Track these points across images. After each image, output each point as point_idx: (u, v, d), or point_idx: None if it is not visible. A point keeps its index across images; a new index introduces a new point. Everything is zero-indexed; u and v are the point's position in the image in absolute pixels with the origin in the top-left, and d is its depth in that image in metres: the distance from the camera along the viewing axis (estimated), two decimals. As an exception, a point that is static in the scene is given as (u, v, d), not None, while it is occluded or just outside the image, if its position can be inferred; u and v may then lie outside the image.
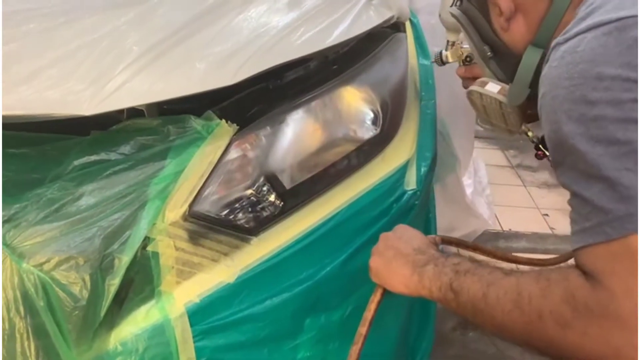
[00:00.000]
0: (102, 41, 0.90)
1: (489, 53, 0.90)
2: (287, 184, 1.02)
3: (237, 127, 0.97)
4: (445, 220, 1.81)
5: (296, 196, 1.03)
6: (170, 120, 0.93)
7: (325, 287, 0.99)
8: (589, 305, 0.58)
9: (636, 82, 0.58)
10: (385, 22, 1.24)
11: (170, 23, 0.96)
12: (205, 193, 0.92)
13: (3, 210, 0.80)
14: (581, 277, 0.60)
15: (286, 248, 0.98)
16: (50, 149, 0.92)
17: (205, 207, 0.92)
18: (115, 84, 0.84)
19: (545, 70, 0.67)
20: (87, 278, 0.79)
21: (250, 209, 0.98)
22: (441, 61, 1.17)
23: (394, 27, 1.34)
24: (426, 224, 1.38)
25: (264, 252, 0.96)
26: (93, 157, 0.89)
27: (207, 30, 0.97)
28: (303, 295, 0.97)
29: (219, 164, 0.94)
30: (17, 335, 0.78)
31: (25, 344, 0.79)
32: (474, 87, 0.97)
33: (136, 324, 0.87)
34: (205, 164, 0.91)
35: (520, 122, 0.95)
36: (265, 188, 1.00)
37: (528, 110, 0.91)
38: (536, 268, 0.92)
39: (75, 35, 0.91)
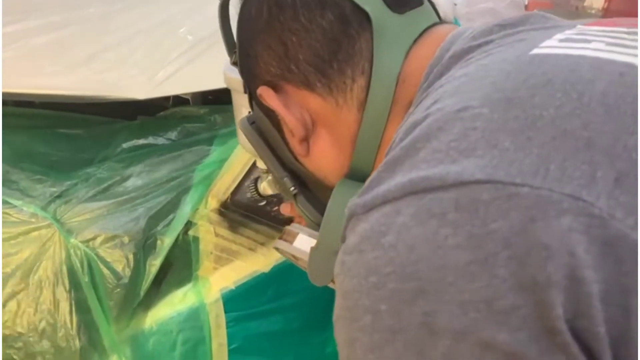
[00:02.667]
0: (157, 29, 0.93)
1: (292, 188, 0.55)
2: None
3: (280, 120, 0.98)
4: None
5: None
6: (216, 109, 0.95)
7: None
8: None
9: (510, 355, 0.27)
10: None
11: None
12: (247, 182, 0.94)
13: (55, 186, 0.83)
14: None
15: (321, 242, 0.99)
16: (100, 131, 0.95)
17: (246, 196, 0.94)
18: (168, 71, 0.87)
19: (337, 262, 0.34)
20: (131, 257, 0.82)
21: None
22: (258, 194, 0.78)
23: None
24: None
25: (299, 244, 0.97)
26: (141, 141, 0.91)
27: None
28: (335, 291, 0.98)
29: (261, 155, 0.95)
30: (61, 308, 0.81)
31: (68, 317, 0.81)
32: (278, 244, 0.63)
33: (172, 306, 0.89)
34: (248, 154, 0.93)
35: None
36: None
37: None
38: None
39: (131, 22, 0.94)
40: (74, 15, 0.94)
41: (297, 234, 0.60)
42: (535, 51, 0.35)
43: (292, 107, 0.48)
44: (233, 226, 0.92)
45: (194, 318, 0.89)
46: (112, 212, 0.83)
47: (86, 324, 0.82)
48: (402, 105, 0.45)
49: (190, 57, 0.89)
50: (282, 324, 0.95)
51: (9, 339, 0.80)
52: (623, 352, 0.27)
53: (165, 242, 0.85)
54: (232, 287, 0.91)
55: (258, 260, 0.93)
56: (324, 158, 0.50)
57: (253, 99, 0.53)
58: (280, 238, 0.62)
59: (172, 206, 0.86)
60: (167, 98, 1.02)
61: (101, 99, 0.86)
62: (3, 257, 0.79)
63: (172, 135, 0.92)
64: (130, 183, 0.86)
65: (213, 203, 0.89)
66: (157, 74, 0.86)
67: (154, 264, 0.84)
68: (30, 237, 0.80)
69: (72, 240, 0.80)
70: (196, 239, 0.88)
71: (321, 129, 0.49)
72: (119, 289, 0.82)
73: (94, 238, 0.81)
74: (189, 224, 0.88)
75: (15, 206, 0.83)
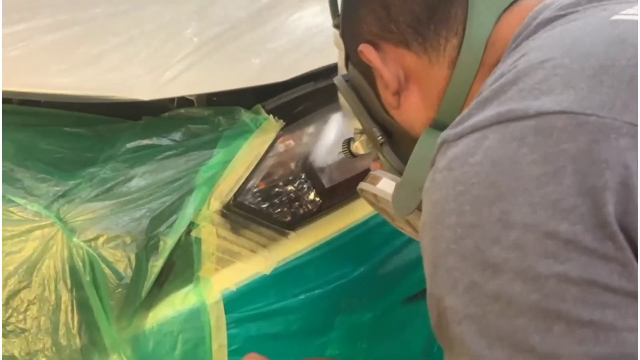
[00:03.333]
0: (163, 30, 0.93)
1: (380, 137, 0.63)
2: (327, 183, 1.03)
3: (284, 123, 0.98)
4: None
5: (335, 195, 1.04)
6: (221, 111, 0.95)
7: (358, 287, 1.00)
8: None
9: (569, 242, 0.34)
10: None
11: (228, 17, 0.98)
12: (250, 185, 0.94)
13: (59, 185, 0.83)
14: None
15: (323, 245, 0.99)
16: (104, 130, 0.95)
17: (249, 198, 0.94)
18: (174, 73, 0.87)
19: (428, 180, 0.42)
20: (133, 257, 0.82)
21: (290, 205, 1.00)
22: (350, 153, 0.81)
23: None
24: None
25: (301, 247, 0.98)
26: (145, 141, 0.92)
27: (263, 27, 0.99)
28: (336, 293, 0.98)
29: (265, 157, 0.96)
30: (62, 307, 0.81)
31: (69, 316, 0.82)
32: (363, 185, 0.71)
33: (174, 306, 0.89)
34: (252, 157, 0.93)
35: None
36: (305, 185, 1.01)
37: None
38: None
39: (137, 23, 0.95)
40: (81, 15, 0.94)
41: (381, 178, 0.68)
42: (615, 17, 0.42)
43: (388, 63, 0.55)
44: (235, 228, 0.92)
45: (195, 319, 0.89)
46: (115, 212, 0.83)
47: (87, 323, 0.82)
48: (489, 66, 0.50)
49: (196, 58, 0.89)
50: (282, 326, 0.95)
51: (10, 335, 0.81)
52: None
53: (168, 243, 0.85)
54: (234, 288, 0.92)
55: (259, 262, 0.94)
56: (413, 110, 0.57)
57: (350, 58, 0.62)
58: (365, 181, 0.71)
59: (175, 207, 0.86)
60: (171, 99, 1.02)
61: (106, 99, 0.86)
62: (6, 255, 0.80)
63: (176, 136, 0.92)
64: (134, 183, 0.86)
65: (216, 205, 0.90)
66: (162, 75, 0.86)
67: (156, 265, 0.84)
68: (33, 236, 0.81)
69: (75, 239, 0.81)
70: (198, 240, 0.88)
71: (413, 85, 0.56)
72: (120, 289, 0.82)
73: (96, 238, 0.82)
74: (191, 225, 0.88)
75: (19, 204, 0.83)
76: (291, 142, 1.01)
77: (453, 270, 0.37)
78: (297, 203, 1.01)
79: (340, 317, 0.99)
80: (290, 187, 1.00)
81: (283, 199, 0.99)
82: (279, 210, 0.99)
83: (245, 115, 0.95)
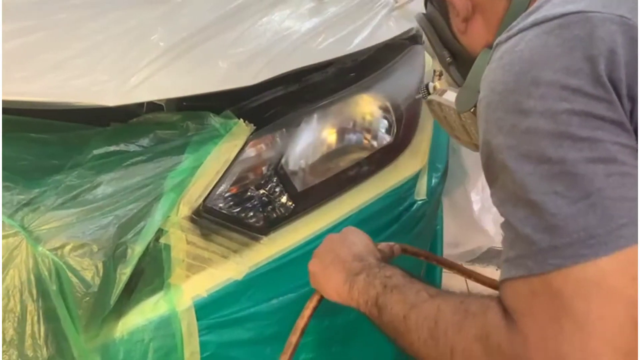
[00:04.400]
0: (128, 35, 0.92)
1: (448, 58, 0.84)
2: (299, 187, 1.03)
3: (254, 127, 0.98)
4: (451, 234, 1.82)
5: (307, 199, 1.04)
6: (190, 116, 0.95)
7: (331, 290, 1.00)
8: (501, 349, 0.52)
9: (574, 90, 0.51)
10: (404, 33, 1.26)
11: (195, 22, 0.98)
12: (220, 190, 0.94)
13: (23, 193, 0.82)
14: (500, 313, 0.54)
15: (295, 249, 0.99)
16: (71, 137, 0.94)
17: (219, 203, 0.94)
18: (140, 78, 0.86)
19: (485, 72, 0.61)
20: (100, 265, 0.81)
21: (261, 209, 0.99)
22: (428, 94, 1.00)
23: (412, 40, 1.36)
24: (434, 236, 1.39)
25: (273, 251, 0.97)
26: (112, 148, 0.90)
27: (231, 30, 0.98)
28: (309, 297, 0.98)
29: (235, 162, 0.95)
30: (28, 318, 0.80)
31: (35, 327, 0.80)
32: (432, 96, 0.93)
33: (144, 314, 0.88)
34: (222, 161, 0.93)
35: None
36: (277, 189, 1.01)
37: None
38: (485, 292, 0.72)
39: (102, 28, 0.94)
40: (44, 20, 0.93)
41: (446, 90, 0.91)
42: None
43: None
44: (205, 234, 0.92)
45: (166, 326, 0.88)
46: (82, 220, 0.82)
47: (54, 333, 0.81)
48: None
49: (163, 63, 0.89)
50: (255, 331, 0.95)
51: (-25, 348, 0.79)
52: (631, 91, 0.51)
53: (136, 250, 0.84)
54: (205, 295, 0.91)
55: (231, 268, 0.93)
56: (476, 35, 0.76)
57: None
58: (433, 94, 0.94)
59: (143, 214, 0.85)
60: (141, 105, 1.01)
61: (72, 105, 0.85)
62: (-31, 266, 0.78)
63: (144, 142, 0.91)
64: (100, 191, 0.85)
65: (185, 210, 0.89)
66: (128, 80, 0.85)
67: (125, 272, 0.83)
68: (-4, 246, 0.79)
69: (40, 248, 0.79)
70: (167, 247, 0.88)
71: (478, 14, 0.74)
72: (88, 298, 0.80)
73: (62, 246, 0.80)
74: (160, 232, 0.87)
75: (-18, 214, 0.81)
76: (262, 146, 1.01)
77: (499, 120, 0.55)
78: (269, 207, 1.00)
79: (314, 321, 0.98)
80: (261, 191, 0.99)
81: (255, 203, 0.99)
82: (251, 215, 0.98)
83: (215, 120, 0.95)
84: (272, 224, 0.99)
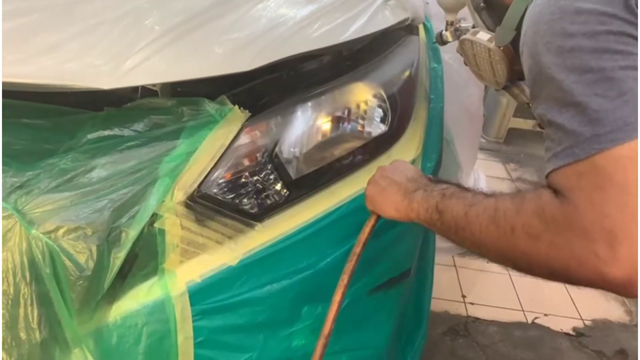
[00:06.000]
0: (123, 18, 0.92)
1: (482, 4, 0.96)
2: (294, 174, 1.03)
3: (249, 114, 0.98)
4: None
5: (301, 187, 1.04)
6: (185, 101, 0.94)
7: (324, 277, 1.00)
8: (556, 218, 0.62)
9: (611, 15, 0.62)
10: (400, 23, 1.26)
11: (191, 6, 0.97)
12: (214, 176, 0.94)
13: (16, 176, 0.81)
14: (552, 194, 0.64)
15: (289, 236, 0.99)
16: (65, 121, 0.93)
17: (213, 189, 0.94)
18: (135, 61, 0.85)
19: (529, 9, 0.70)
20: (94, 249, 0.81)
21: (256, 196, 0.99)
22: (442, 41, 1.22)
23: (408, 29, 1.36)
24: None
25: (267, 238, 0.97)
26: (107, 132, 0.90)
27: (227, 16, 0.98)
28: (302, 284, 0.98)
29: (229, 148, 0.95)
30: (21, 301, 0.80)
31: (29, 309, 0.80)
32: (466, 36, 1.02)
33: (137, 299, 0.88)
34: (216, 147, 0.92)
35: (507, 72, 0.98)
36: (272, 176, 1.01)
37: (515, 66, 0.94)
38: None
39: (97, 11, 0.93)
40: (37, 3, 0.92)
41: (479, 31, 1.00)
42: None
43: None
44: (200, 219, 0.92)
45: (160, 311, 0.88)
46: (76, 203, 0.82)
47: (48, 316, 0.81)
48: None
49: (158, 47, 0.88)
50: (248, 317, 0.95)
51: (-33, 332, 0.79)
52: None
53: (130, 235, 0.84)
54: (199, 280, 0.91)
55: (225, 254, 0.93)
56: None
57: None
58: (467, 35, 1.02)
59: (137, 198, 0.85)
60: (135, 90, 1.00)
61: (65, 88, 0.84)
62: (-39, 249, 0.78)
63: (139, 127, 0.91)
64: (95, 174, 0.85)
65: (179, 195, 0.89)
66: (123, 64, 0.85)
67: (119, 257, 0.83)
68: (-11, 229, 0.79)
69: (34, 231, 0.79)
70: (162, 232, 0.87)
71: None
72: (81, 281, 0.80)
73: (56, 229, 0.80)
74: (154, 217, 0.87)
75: (-26, 197, 0.81)
76: (257, 133, 1.01)
77: (548, 43, 0.65)
78: (263, 194, 1.00)
79: (307, 307, 0.99)
80: (256, 178, 0.99)
81: (249, 190, 0.99)
82: (245, 201, 0.98)
83: (210, 106, 0.94)
84: (266, 210, 1.00)
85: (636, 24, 0.62)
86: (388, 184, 0.92)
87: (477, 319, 2.07)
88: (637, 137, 0.59)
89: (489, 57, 0.98)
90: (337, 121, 1.11)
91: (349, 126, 1.13)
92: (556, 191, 0.64)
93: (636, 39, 0.62)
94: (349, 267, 0.93)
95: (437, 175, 1.30)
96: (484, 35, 0.98)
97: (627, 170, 0.58)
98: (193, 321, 0.90)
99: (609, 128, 0.60)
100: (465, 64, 1.11)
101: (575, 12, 0.63)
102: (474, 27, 1.07)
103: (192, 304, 0.90)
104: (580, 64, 0.62)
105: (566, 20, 0.64)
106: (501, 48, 0.92)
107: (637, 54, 0.61)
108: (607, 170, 0.59)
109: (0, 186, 0.81)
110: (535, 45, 0.67)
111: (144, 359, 0.87)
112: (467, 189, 0.79)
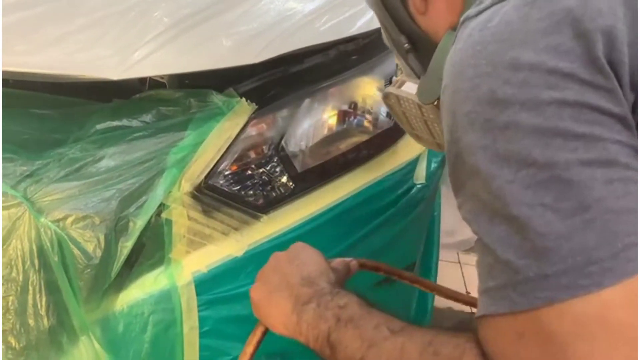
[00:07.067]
0: (132, 10, 0.93)
1: (406, 45, 0.70)
2: (299, 167, 1.04)
3: (256, 106, 0.99)
4: (448, 223, 1.83)
5: (307, 180, 1.05)
6: (192, 93, 0.95)
7: (329, 270, 1.01)
8: None
9: (565, 75, 0.41)
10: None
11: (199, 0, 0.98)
12: (221, 167, 0.94)
13: (26, 165, 0.82)
14: (478, 355, 0.45)
15: (294, 229, 1.00)
16: (73, 112, 0.94)
17: (220, 181, 0.94)
18: (143, 53, 0.86)
19: (449, 54, 0.49)
20: (102, 238, 0.81)
21: (262, 188, 1.00)
22: (390, 83, 0.94)
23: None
24: (431, 221, 1.40)
25: (272, 230, 0.98)
26: (115, 123, 0.91)
27: (234, 9, 0.99)
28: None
29: (236, 140, 0.96)
30: (30, 288, 0.80)
31: (37, 297, 0.81)
32: (389, 89, 0.81)
33: (144, 288, 0.89)
34: (223, 139, 0.93)
35: None
36: (278, 169, 1.02)
37: None
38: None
39: (105, 4, 0.93)
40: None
41: (405, 81, 0.78)
42: None
43: None
44: (206, 210, 0.92)
45: (166, 301, 0.89)
46: (84, 192, 0.83)
47: (56, 304, 0.82)
48: None
49: (166, 39, 0.89)
50: (253, 308, 0.96)
51: (-23, 318, 0.80)
52: (636, 78, 0.41)
53: (138, 224, 0.84)
54: (205, 270, 0.92)
55: (231, 245, 0.94)
56: (438, 15, 0.62)
57: None
58: (391, 86, 0.81)
59: (145, 188, 0.86)
60: (143, 82, 1.01)
61: (74, 78, 0.85)
62: (-29, 236, 0.79)
63: (147, 118, 0.92)
64: (103, 164, 0.86)
65: (186, 186, 0.89)
66: (131, 55, 0.86)
67: (126, 246, 0.84)
68: (-1, 216, 0.80)
69: (42, 219, 0.80)
70: (169, 222, 0.88)
71: None
72: (89, 270, 0.81)
73: (64, 218, 0.81)
74: (161, 207, 0.88)
75: (-16, 185, 0.82)
76: (263, 126, 1.02)
77: (470, 113, 0.44)
78: (269, 186, 1.01)
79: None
80: (262, 170, 1.00)
81: (255, 182, 0.99)
82: (251, 193, 0.99)
83: (217, 98, 0.95)
84: (272, 203, 1.00)
85: (607, 89, 0.41)
86: (277, 286, 0.67)
87: (480, 315, 2.07)
88: (609, 284, 0.38)
89: (421, 115, 0.77)
90: (343, 115, 1.12)
91: (355, 120, 1.13)
92: (485, 354, 0.44)
93: (608, 114, 0.41)
94: None
95: (443, 168, 1.30)
96: (412, 88, 0.76)
97: (593, 341, 0.38)
98: (199, 311, 0.91)
99: (562, 266, 0.39)
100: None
101: (510, 65, 0.42)
102: (400, 72, 0.84)
103: (198, 294, 0.91)
104: (518, 152, 0.41)
105: (497, 78, 0.43)
106: (435, 103, 0.69)
107: (609, 139, 0.40)
108: (561, 337, 0.39)
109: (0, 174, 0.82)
110: (453, 115, 0.46)
111: (150, 348, 0.87)
112: (370, 312, 0.57)
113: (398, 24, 0.69)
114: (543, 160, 0.40)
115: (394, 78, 0.85)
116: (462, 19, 0.49)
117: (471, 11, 0.48)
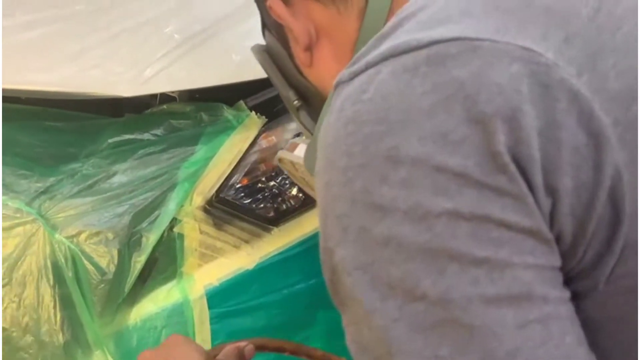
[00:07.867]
0: (143, 27, 0.93)
1: (296, 101, 0.59)
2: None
3: (266, 119, 0.99)
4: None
5: (317, 191, 1.05)
6: (203, 107, 0.96)
7: (340, 281, 1.01)
8: None
9: (458, 175, 0.31)
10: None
11: (209, 15, 0.99)
12: (232, 181, 0.95)
13: (40, 182, 0.83)
14: None
15: (305, 240, 1.00)
16: (86, 126, 0.95)
17: (231, 194, 0.95)
18: (155, 69, 0.87)
19: (322, 126, 0.37)
20: (115, 253, 0.82)
21: (272, 201, 1.00)
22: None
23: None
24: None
25: (283, 242, 0.99)
26: (127, 137, 0.92)
27: (244, 23, 0.99)
28: (318, 288, 0.99)
29: (247, 154, 0.97)
30: (45, 304, 0.81)
31: (52, 312, 0.82)
32: (281, 153, 0.72)
33: (157, 302, 0.90)
34: (234, 153, 0.94)
35: None
36: (288, 181, 1.02)
37: None
38: None
39: (118, 19, 0.95)
40: (61, 12, 0.94)
41: (298, 144, 0.71)
42: None
43: (298, 17, 0.51)
44: (218, 224, 0.93)
45: (178, 314, 0.90)
46: (97, 208, 0.84)
47: (70, 319, 0.83)
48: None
49: (177, 55, 0.90)
50: (265, 320, 0.96)
51: (-7, 333, 0.81)
52: (551, 178, 0.32)
53: (150, 239, 0.85)
54: (216, 283, 0.92)
55: (242, 258, 0.95)
56: (325, 66, 0.53)
57: (265, 22, 0.59)
58: (283, 149, 0.71)
59: (157, 203, 0.87)
60: (154, 96, 1.02)
61: (87, 95, 0.87)
62: (-13, 252, 0.80)
63: (158, 132, 0.93)
64: (116, 180, 0.87)
65: (198, 200, 0.90)
66: (143, 71, 0.87)
67: (139, 260, 0.85)
68: (14, 232, 0.81)
69: (57, 235, 0.81)
70: (181, 236, 0.89)
71: (323, 39, 0.51)
72: (103, 285, 0.82)
73: (78, 234, 0.82)
74: (174, 221, 0.89)
75: (-1, 201, 0.83)
76: (273, 139, 1.02)
77: (342, 217, 0.34)
78: (279, 199, 1.01)
79: (323, 312, 1.00)
80: (272, 183, 1.01)
81: (266, 194, 1.00)
82: (262, 206, 1.00)
83: (228, 112, 0.96)
84: (283, 215, 1.01)
85: (513, 195, 0.31)
86: None
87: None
88: None
89: None
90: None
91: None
92: None
93: (516, 229, 0.31)
94: None
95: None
96: (303, 151, 0.63)
97: None
98: (210, 324, 0.92)
99: None
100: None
101: (388, 157, 0.32)
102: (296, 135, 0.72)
103: (209, 307, 0.92)
104: (401, 280, 0.32)
105: (373, 174, 0.33)
106: None
107: (520, 264, 0.31)
108: None
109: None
110: (325, 216, 0.36)
111: (163, 361, 0.88)
112: None
113: (286, 78, 0.59)
114: (435, 295, 0.31)
115: (290, 140, 0.74)
116: (335, 82, 0.38)
117: (344, 73, 0.37)
